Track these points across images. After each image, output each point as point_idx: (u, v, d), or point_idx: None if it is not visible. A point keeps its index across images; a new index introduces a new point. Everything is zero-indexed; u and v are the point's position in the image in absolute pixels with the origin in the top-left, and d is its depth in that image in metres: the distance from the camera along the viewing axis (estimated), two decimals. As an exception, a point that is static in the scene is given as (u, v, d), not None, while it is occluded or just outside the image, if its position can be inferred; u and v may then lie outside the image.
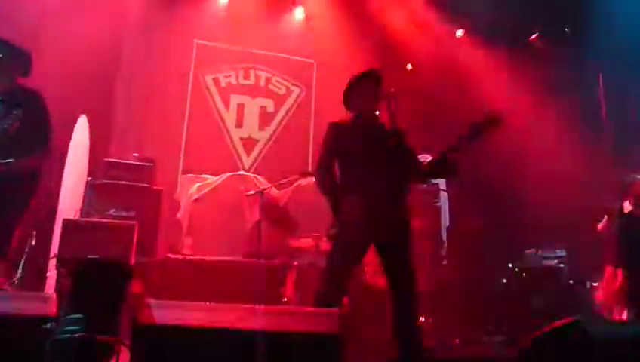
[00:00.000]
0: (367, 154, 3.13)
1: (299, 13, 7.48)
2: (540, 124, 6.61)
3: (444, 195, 5.79)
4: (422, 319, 4.52)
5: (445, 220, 5.90)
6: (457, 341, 4.72)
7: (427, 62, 7.42)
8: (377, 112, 3.30)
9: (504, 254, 5.78)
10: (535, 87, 6.78)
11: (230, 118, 7.22)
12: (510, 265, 5.49)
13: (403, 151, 3.24)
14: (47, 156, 3.24)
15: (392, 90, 3.27)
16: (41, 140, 3.18)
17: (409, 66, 7.64)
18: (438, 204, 5.79)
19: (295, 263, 4.88)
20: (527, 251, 5.65)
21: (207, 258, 5.54)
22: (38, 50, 5.46)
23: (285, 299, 4.81)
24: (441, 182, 5.63)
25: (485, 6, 6.93)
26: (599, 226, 4.89)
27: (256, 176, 6.31)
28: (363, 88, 3.28)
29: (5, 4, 5.45)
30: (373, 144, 3.16)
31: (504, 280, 5.47)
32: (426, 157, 3.42)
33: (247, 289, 4.85)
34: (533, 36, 7.19)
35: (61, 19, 5.88)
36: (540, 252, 5.56)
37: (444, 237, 5.71)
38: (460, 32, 7.70)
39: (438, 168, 3.12)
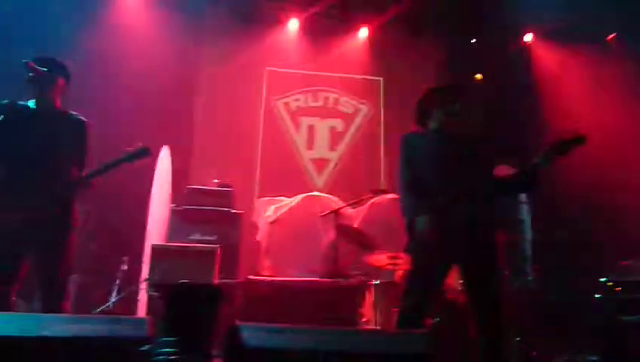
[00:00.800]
0: (446, 168, 3.05)
1: (362, 34, 7.55)
2: (626, 129, 6.23)
3: (525, 208, 5.57)
4: (509, 339, 4.33)
5: (528, 233, 5.67)
6: (535, 353, 4.45)
7: (497, 71, 7.24)
8: (454, 125, 3.23)
9: (594, 267, 5.45)
10: (616, 91, 6.42)
11: (301, 140, 7.36)
12: (603, 279, 5.15)
13: (485, 163, 3.14)
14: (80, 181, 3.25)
15: (466, 102, 3.21)
16: (79, 165, 3.17)
17: (478, 76, 7.48)
18: (521, 217, 5.58)
19: (373, 282, 4.84)
20: (622, 263, 5.29)
21: (286, 279, 5.62)
22: (121, 86, 5.91)
23: (365, 320, 4.78)
24: (523, 195, 5.42)
25: (556, 7, 6.66)
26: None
27: (329, 196, 6.37)
28: (437, 103, 3.23)
29: (88, 45, 5.87)
30: (451, 158, 3.08)
31: (597, 295, 5.13)
32: (505, 170, 3.31)
33: (326, 309, 4.88)
34: (611, 36, 6.83)
35: (140, 57, 6.29)
36: (637, 263, 5.18)
37: (528, 251, 5.47)
38: (529, 37, 7.44)
39: (516, 185, 3.04)
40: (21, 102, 3.19)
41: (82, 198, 3.18)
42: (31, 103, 3.18)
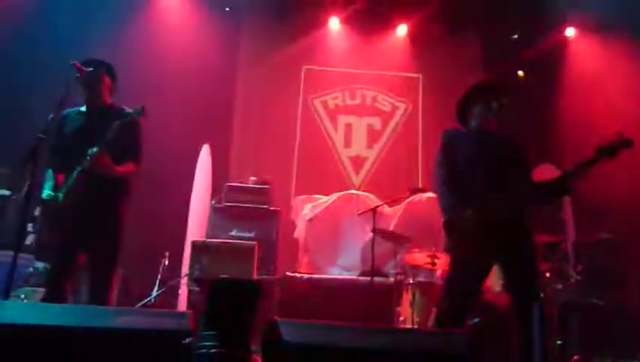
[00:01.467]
0: (486, 166, 3.01)
1: (401, 31, 7.48)
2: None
3: (569, 208, 5.42)
4: (551, 342, 4.23)
5: (571, 235, 5.51)
6: (577, 357, 4.32)
7: (539, 68, 7.06)
8: (494, 123, 3.18)
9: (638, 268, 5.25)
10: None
11: (339, 138, 7.37)
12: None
13: (523, 166, 3.09)
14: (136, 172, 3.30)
15: (507, 100, 3.15)
16: (133, 155, 3.23)
17: (520, 73, 7.31)
18: (563, 217, 5.43)
19: (410, 281, 4.81)
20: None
21: (324, 276, 5.65)
22: (162, 86, 6.05)
23: (402, 318, 4.76)
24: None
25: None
26: None
27: (367, 194, 6.35)
28: (480, 99, 3.18)
29: (132, 45, 6.04)
30: (492, 156, 3.04)
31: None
32: (549, 169, 3.24)
33: (363, 307, 4.88)
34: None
35: (181, 57, 6.44)
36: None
37: (570, 252, 5.32)
38: (571, 31, 7.20)
39: (555, 190, 2.97)
40: (73, 109, 3.33)
41: (129, 193, 3.27)
42: (82, 108, 3.32)
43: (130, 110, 3.28)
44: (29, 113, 4.29)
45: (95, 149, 3.00)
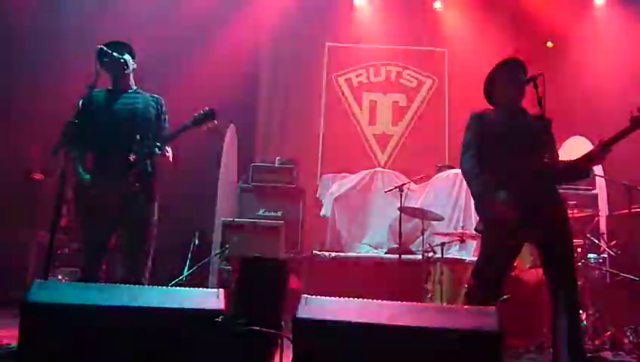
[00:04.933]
0: (515, 145, 2.96)
1: (426, 3, 7.32)
2: None
3: (601, 181, 5.28)
4: (583, 318, 4.18)
5: (604, 209, 5.39)
6: (610, 331, 4.26)
7: (568, 39, 6.84)
8: (522, 99, 3.12)
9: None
10: None
11: (363, 116, 7.32)
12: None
13: (551, 142, 3.02)
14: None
15: (538, 73, 3.06)
16: (166, 141, 3.23)
17: (549, 44, 7.10)
18: (595, 192, 5.30)
19: (439, 258, 4.80)
20: None
21: (351, 254, 5.67)
22: (188, 67, 6.07)
23: (430, 296, 4.76)
24: (598, 167, 5.14)
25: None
26: None
27: (393, 171, 6.31)
28: (506, 77, 3.11)
29: (157, 28, 6.06)
30: (521, 135, 2.97)
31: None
32: (580, 142, 3.16)
33: (391, 285, 4.89)
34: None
35: (205, 38, 6.43)
36: None
37: (604, 228, 5.21)
38: (600, 1, 6.94)
39: (580, 169, 2.92)
40: (101, 90, 3.35)
41: (159, 173, 3.31)
42: (110, 88, 3.36)
43: (155, 96, 3.33)
44: (61, 97, 4.35)
45: (158, 145, 3.08)
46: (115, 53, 3.22)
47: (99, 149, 3.21)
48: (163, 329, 2.18)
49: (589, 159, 2.91)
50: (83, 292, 2.26)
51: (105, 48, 3.18)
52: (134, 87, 3.38)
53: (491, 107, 3.23)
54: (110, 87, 3.35)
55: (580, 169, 2.99)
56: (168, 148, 3.25)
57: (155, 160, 3.18)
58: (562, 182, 3.32)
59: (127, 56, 3.32)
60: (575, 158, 2.94)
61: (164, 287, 2.42)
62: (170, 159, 3.24)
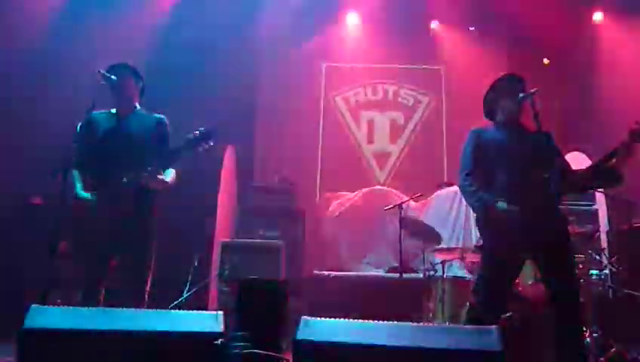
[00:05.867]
0: (515, 160, 2.96)
1: (421, 22, 7.39)
2: None
3: (601, 197, 5.28)
4: (586, 335, 4.13)
5: (604, 224, 5.37)
6: (614, 347, 4.20)
7: (566, 55, 6.89)
8: (521, 115, 3.13)
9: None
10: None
11: (361, 135, 7.35)
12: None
13: (552, 155, 3.02)
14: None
15: (534, 90, 3.09)
16: (166, 162, 3.23)
17: (546, 61, 7.16)
18: (595, 207, 5.29)
19: (440, 276, 4.76)
20: None
21: (351, 274, 5.64)
22: (186, 89, 6.10)
23: (431, 314, 4.72)
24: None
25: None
26: None
27: (392, 189, 6.31)
28: (505, 93, 3.13)
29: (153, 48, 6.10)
30: (521, 150, 2.99)
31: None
32: (578, 157, 3.17)
33: (392, 304, 4.85)
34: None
35: (202, 59, 6.47)
36: None
37: (605, 243, 5.19)
38: (598, 15, 7.01)
39: (594, 179, 2.91)
40: (103, 111, 3.37)
41: (157, 195, 3.29)
42: (113, 111, 3.37)
43: (159, 115, 3.34)
44: (58, 123, 4.36)
45: (150, 168, 3.04)
46: (113, 76, 3.24)
47: (98, 172, 3.20)
48: (162, 353, 2.16)
49: (612, 154, 2.84)
50: (81, 317, 2.24)
51: (102, 72, 3.19)
52: (137, 108, 3.39)
53: (490, 122, 3.25)
54: (113, 109, 3.37)
55: (607, 170, 2.89)
56: (171, 171, 3.24)
57: (150, 182, 3.14)
58: (572, 190, 3.28)
59: (128, 78, 3.34)
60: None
61: (163, 310, 2.39)
62: (168, 180, 3.20)
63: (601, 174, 2.91)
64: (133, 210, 3.10)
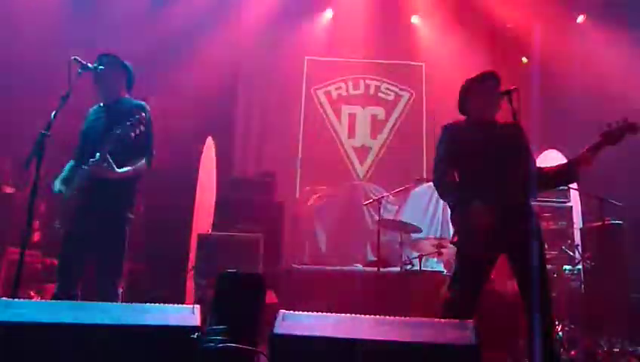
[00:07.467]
0: (488, 156, 2.98)
1: (403, 18, 7.42)
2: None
3: (575, 194, 5.37)
4: (558, 329, 4.22)
5: (578, 221, 5.48)
6: (584, 344, 4.32)
7: (546, 54, 6.97)
8: (496, 113, 3.15)
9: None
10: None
11: (342, 129, 7.35)
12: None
13: (525, 153, 3.06)
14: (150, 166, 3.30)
15: (513, 87, 3.11)
16: (145, 151, 3.23)
17: (524, 60, 7.25)
18: (569, 204, 5.39)
19: (416, 270, 4.81)
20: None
21: (329, 268, 5.65)
22: (166, 81, 6.02)
23: (408, 308, 4.76)
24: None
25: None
26: None
27: (371, 184, 6.34)
28: (481, 90, 3.14)
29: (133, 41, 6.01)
30: (494, 146, 3.00)
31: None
32: (554, 155, 3.22)
33: (370, 298, 4.89)
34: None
35: (182, 52, 6.39)
36: None
37: (578, 239, 5.29)
38: (580, 18, 7.11)
39: (563, 177, 2.97)
40: (96, 106, 3.37)
41: (134, 192, 3.27)
42: (102, 104, 3.36)
43: (140, 102, 3.30)
44: (33, 110, 4.28)
45: (97, 157, 3.00)
46: (89, 65, 3.17)
47: (75, 162, 3.20)
48: (139, 347, 2.13)
49: (562, 173, 2.98)
50: (53, 310, 2.20)
51: (78, 59, 3.12)
52: (124, 97, 3.35)
53: (464, 118, 3.26)
54: (103, 100, 3.35)
55: (569, 171, 2.99)
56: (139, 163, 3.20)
57: (95, 171, 3.05)
58: (548, 187, 3.34)
59: (110, 69, 3.29)
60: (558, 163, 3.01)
61: (139, 304, 2.36)
62: (118, 171, 3.08)
63: (565, 173, 2.98)
64: (105, 205, 3.06)
